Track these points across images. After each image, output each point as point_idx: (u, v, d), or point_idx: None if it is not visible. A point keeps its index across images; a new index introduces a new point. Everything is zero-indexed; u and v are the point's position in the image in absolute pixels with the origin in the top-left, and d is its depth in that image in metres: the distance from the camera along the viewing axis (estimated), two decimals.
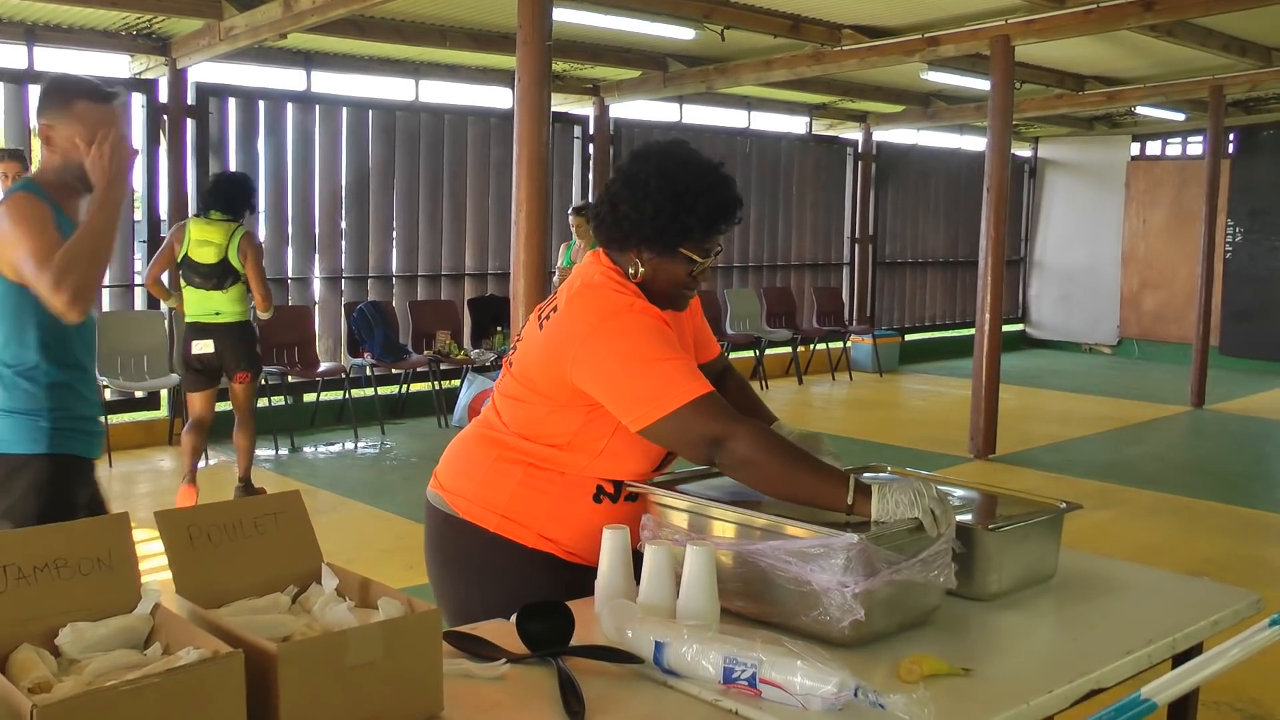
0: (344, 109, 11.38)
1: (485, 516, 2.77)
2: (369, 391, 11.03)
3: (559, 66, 11.50)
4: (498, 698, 2.06)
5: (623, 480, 2.73)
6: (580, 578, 2.61)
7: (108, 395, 9.72)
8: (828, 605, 2.23)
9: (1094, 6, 9.06)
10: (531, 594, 2.38)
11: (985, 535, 2.58)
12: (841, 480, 2.41)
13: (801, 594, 2.27)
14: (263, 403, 10.02)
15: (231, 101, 10.68)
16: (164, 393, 10.25)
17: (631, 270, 2.73)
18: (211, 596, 2.07)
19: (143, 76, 10.23)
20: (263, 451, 9.68)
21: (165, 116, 10.20)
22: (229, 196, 7.74)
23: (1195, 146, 17.12)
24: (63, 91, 3.40)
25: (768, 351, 14.32)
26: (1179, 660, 2.41)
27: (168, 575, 2.08)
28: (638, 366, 2.55)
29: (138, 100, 10.15)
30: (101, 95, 3.38)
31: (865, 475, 2.93)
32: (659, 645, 2.12)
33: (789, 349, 14.70)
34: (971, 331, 10.41)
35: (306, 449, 9.83)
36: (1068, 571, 2.85)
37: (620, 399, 2.57)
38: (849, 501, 2.38)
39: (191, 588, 2.07)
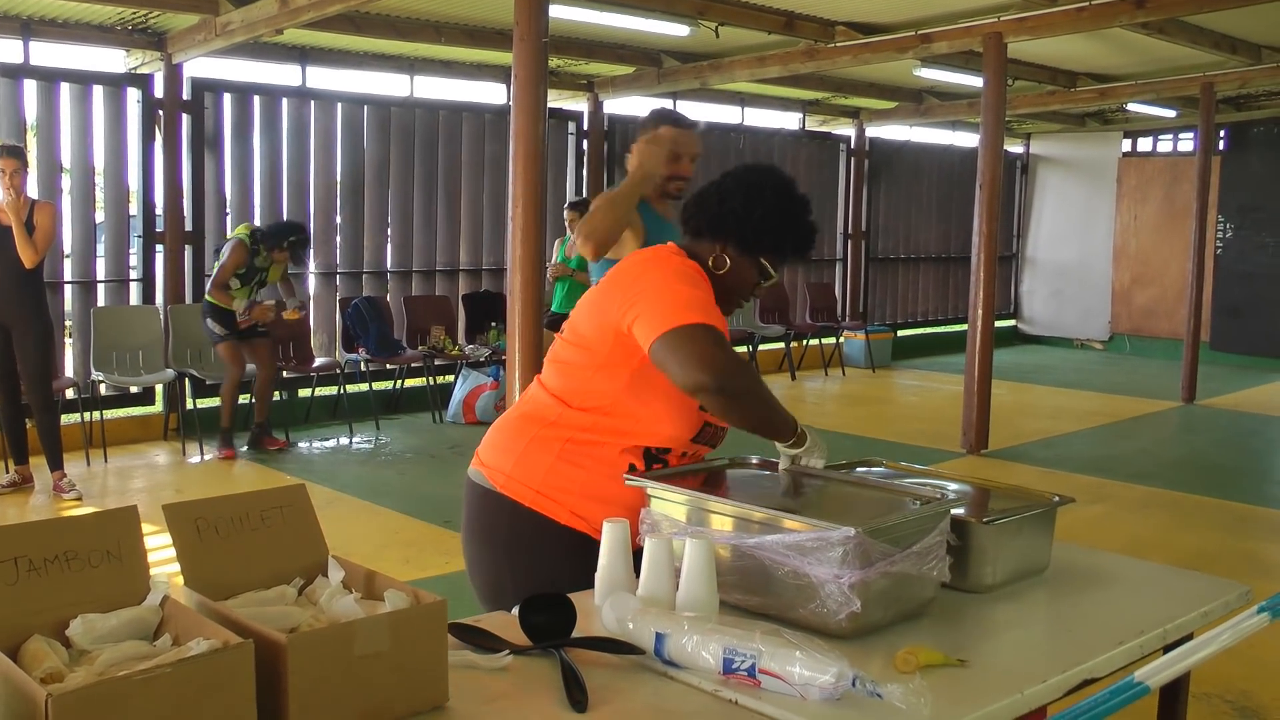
0: (339, 104, 11.39)
1: (521, 491, 2.87)
2: (364, 387, 11.04)
3: (554, 62, 11.52)
4: (502, 688, 2.09)
5: (659, 448, 2.85)
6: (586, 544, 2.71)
7: (103, 390, 9.75)
8: (825, 598, 2.27)
9: (1086, 4, 9.10)
10: (561, 571, 2.48)
11: (979, 529, 2.62)
12: (791, 419, 2.83)
13: (799, 587, 2.31)
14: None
15: (227, 97, 10.68)
16: (159, 388, 10.24)
17: (712, 260, 2.91)
18: (219, 588, 2.09)
19: (138, 71, 10.23)
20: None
21: (160, 111, 10.20)
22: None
23: (1186, 143, 17.18)
24: (655, 119, 4.38)
25: (761, 347, 14.35)
26: (1169, 651, 2.45)
27: (172, 569, 2.11)
28: (670, 288, 2.75)
29: (133, 95, 10.17)
30: (675, 121, 4.33)
31: (858, 470, 2.99)
32: (659, 636, 2.16)
33: (782, 344, 14.73)
34: (964, 327, 10.46)
35: (301, 444, 9.84)
36: (1061, 564, 2.89)
37: (644, 316, 2.72)
38: (795, 430, 2.82)
39: (199, 580, 2.10)
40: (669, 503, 2.60)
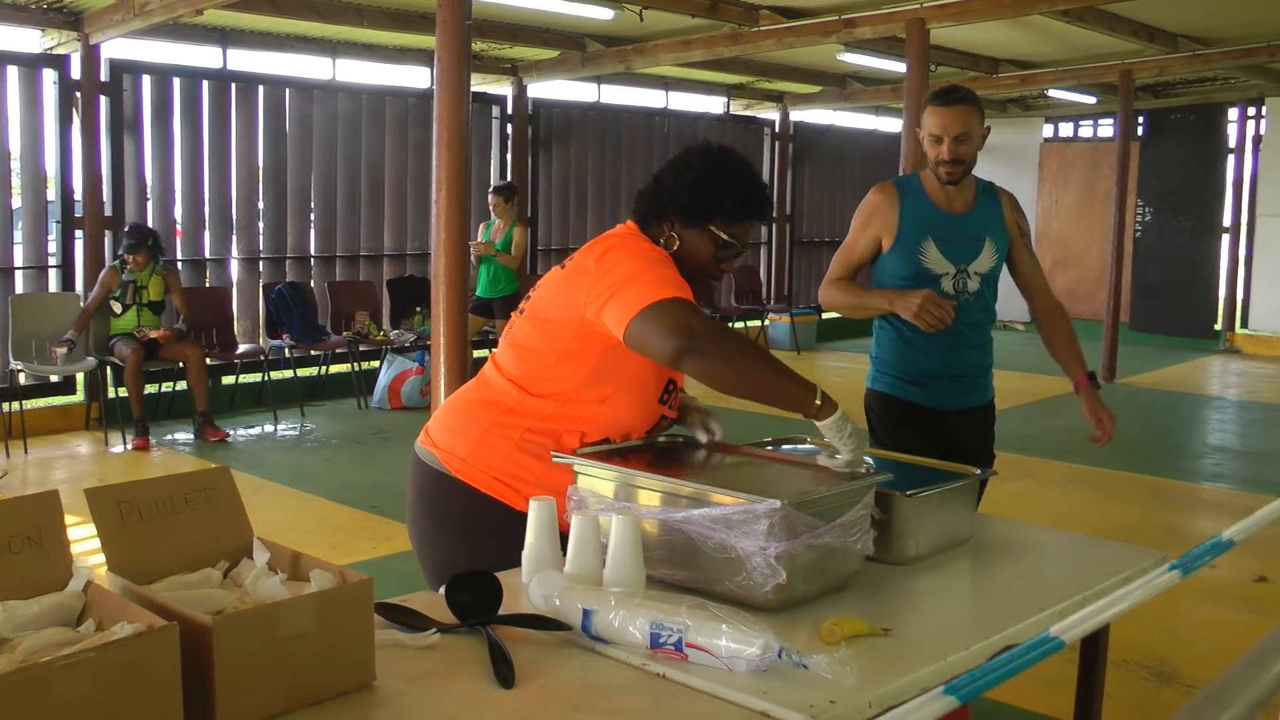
0: (261, 87, 11.27)
1: (478, 477, 2.86)
2: (288, 374, 10.96)
3: (477, 46, 11.47)
4: (429, 666, 2.09)
5: (619, 441, 2.85)
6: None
7: (22, 380, 9.59)
8: (751, 570, 2.29)
9: None
10: (518, 556, 2.45)
11: (902, 501, 2.66)
12: (810, 387, 2.63)
13: (726, 560, 2.33)
14: (181, 385, 9.96)
15: (146, 79, 10.52)
16: (80, 377, 10.11)
17: (663, 241, 2.90)
18: (143, 573, 2.07)
19: (54, 52, 10.04)
20: (181, 435, 9.63)
21: (78, 94, 10.02)
22: None
23: (1106, 129, 17.42)
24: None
25: None
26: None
27: (96, 558, 2.09)
28: (640, 269, 2.72)
29: (49, 77, 10.00)
30: (930, 100, 3.98)
31: (784, 446, 3.01)
32: (586, 613, 2.17)
33: None
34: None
35: (226, 432, 9.74)
36: (984, 536, 2.94)
37: (616, 300, 2.69)
38: (817, 403, 2.61)
39: (123, 564, 2.08)
40: (596, 479, 2.61)
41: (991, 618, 2.38)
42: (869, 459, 2.85)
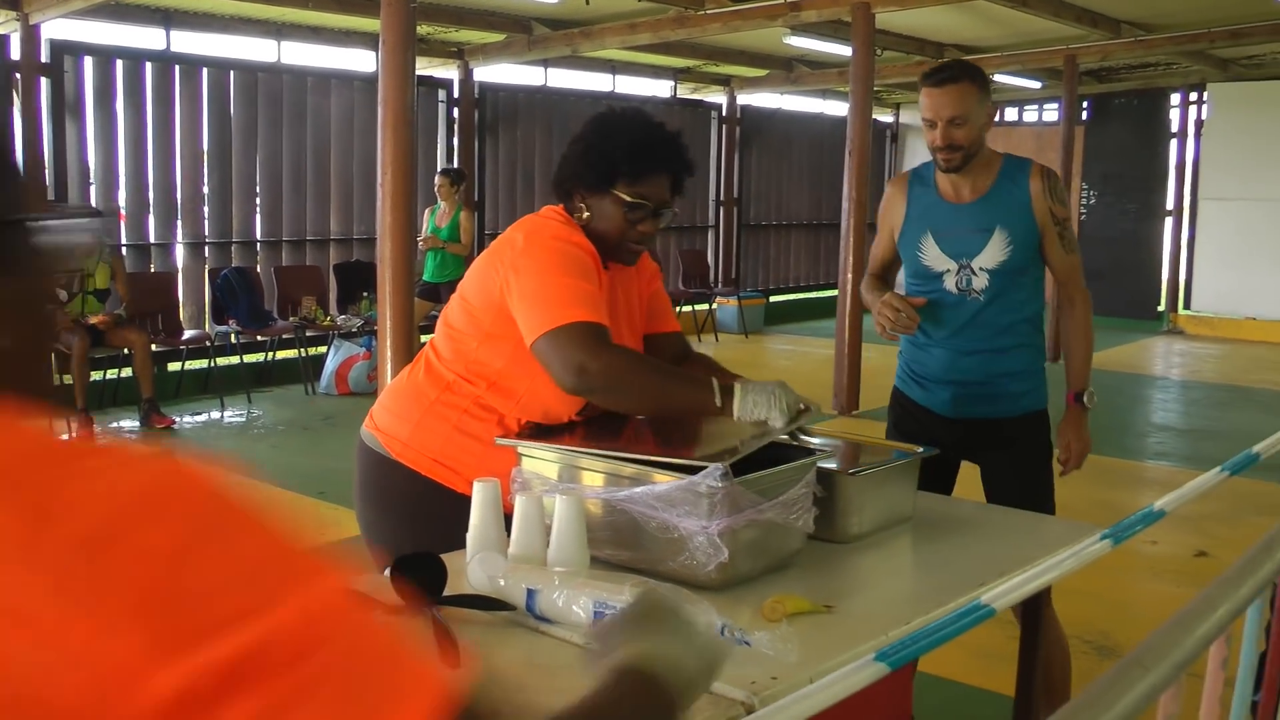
0: (204, 69, 11.16)
1: (419, 460, 2.85)
2: (234, 360, 10.88)
3: (423, 29, 11.42)
4: None
5: (549, 425, 2.82)
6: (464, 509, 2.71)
7: None
8: (694, 549, 2.30)
9: None
10: (461, 539, 2.46)
11: (844, 480, 2.68)
12: (707, 385, 2.60)
13: (668, 540, 2.34)
14: (126, 372, 9.88)
15: (88, 60, 10.40)
16: None
17: (576, 215, 2.84)
18: None
19: None
20: (127, 422, 9.56)
21: (18, 75, 9.87)
22: None
23: (1051, 113, 17.58)
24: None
25: None
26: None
27: None
28: (549, 280, 2.66)
29: None
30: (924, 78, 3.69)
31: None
32: (531, 592, 2.18)
33: None
34: (835, 293, 10.59)
35: (172, 419, 9.68)
36: (925, 513, 2.96)
37: (523, 310, 2.67)
38: (718, 404, 2.57)
39: None
40: (540, 460, 2.62)
41: (932, 594, 2.40)
42: (815, 439, 2.88)
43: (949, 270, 3.65)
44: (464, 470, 2.78)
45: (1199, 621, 1.19)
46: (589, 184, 2.81)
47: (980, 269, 3.61)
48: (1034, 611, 2.72)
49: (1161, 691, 1.08)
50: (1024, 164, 3.71)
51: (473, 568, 2.31)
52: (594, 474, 2.53)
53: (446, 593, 2.26)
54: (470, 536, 2.47)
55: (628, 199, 2.78)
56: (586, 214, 2.83)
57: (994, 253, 3.60)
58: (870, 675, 0.94)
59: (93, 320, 9.10)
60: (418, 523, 2.87)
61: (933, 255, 3.68)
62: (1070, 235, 3.73)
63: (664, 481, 2.36)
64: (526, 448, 2.65)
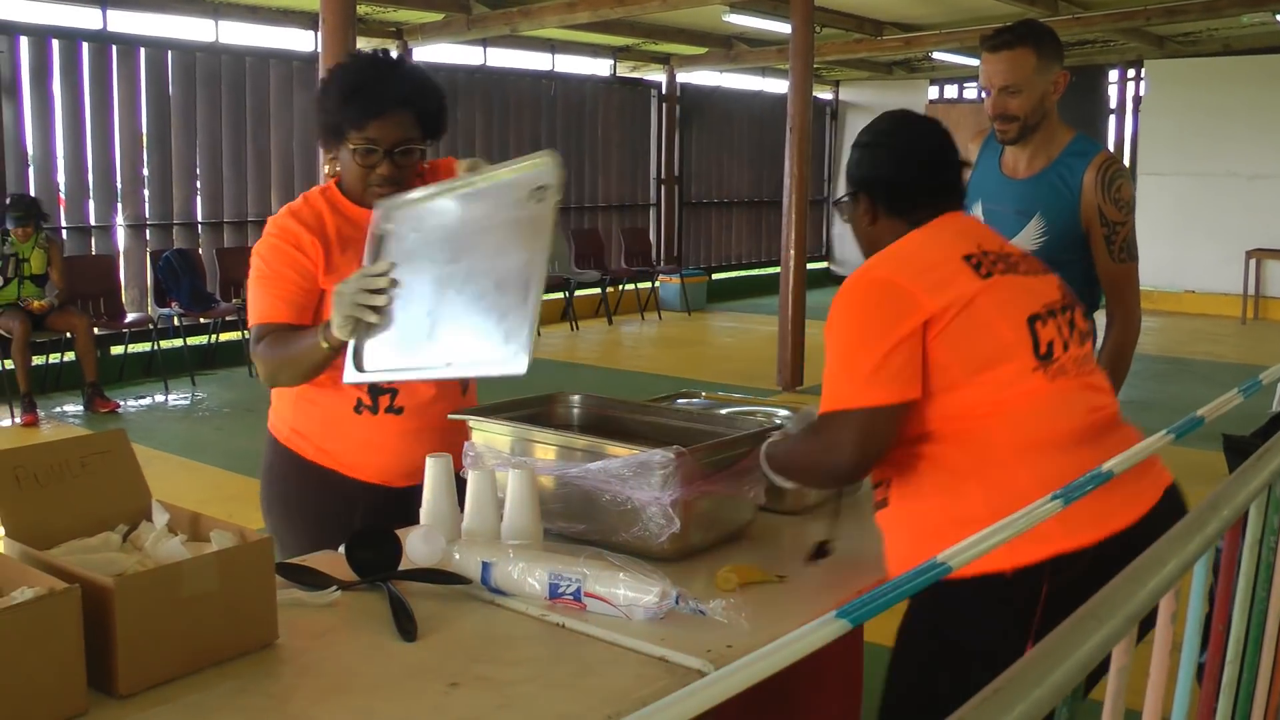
0: (142, 50, 11.05)
1: (279, 428, 2.95)
2: (178, 342, 10.79)
3: (362, 9, 11.35)
4: (331, 623, 2.11)
5: (373, 390, 2.81)
6: (359, 492, 2.84)
7: None
8: (647, 520, 2.34)
9: None
10: (311, 507, 2.51)
11: None
12: (313, 330, 2.64)
13: (622, 512, 2.37)
14: (69, 356, 9.79)
15: (23, 40, 10.26)
16: None
17: (334, 169, 2.87)
18: (42, 538, 2.06)
19: None
20: (70, 406, 9.48)
21: None
22: None
23: None
24: None
25: (577, 293, 14.40)
26: None
27: None
28: (249, 285, 2.81)
29: None
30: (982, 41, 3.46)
31: (679, 401, 3.05)
32: (486, 565, 2.20)
33: (598, 290, 14.80)
34: (777, 270, 10.64)
35: (116, 403, 9.60)
36: None
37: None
38: (323, 343, 2.59)
39: (21, 530, 2.06)
40: (492, 434, 2.64)
41: (883, 562, 2.44)
42: (779, 410, 2.91)
43: None
44: (311, 435, 2.87)
45: (1149, 575, 1.23)
46: (328, 139, 2.79)
47: None
48: None
49: (1114, 643, 1.11)
50: (1090, 150, 3.39)
51: (412, 541, 2.31)
52: (546, 448, 2.55)
53: (401, 567, 2.29)
54: (424, 511, 2.49)
55: (353, 145, 2.72)
56: (338, 168, 2.83)
57: (1026, 239, 3.34)
58: (832, 632, 0.96)
59: (33, 305, 9.01)
60: (272, 490, 2.96)
61: None
62: (1123, 241, 3.36)
63: (617, 455, 2.38)
64: (478, 422, 2.67)
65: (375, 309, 2.51)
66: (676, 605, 2.05)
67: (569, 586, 2.11)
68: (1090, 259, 3.36)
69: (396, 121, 2.72)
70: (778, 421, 2.74)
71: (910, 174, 2.42)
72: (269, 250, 2.77)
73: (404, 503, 2.63)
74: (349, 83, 2.72)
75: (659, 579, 2.07)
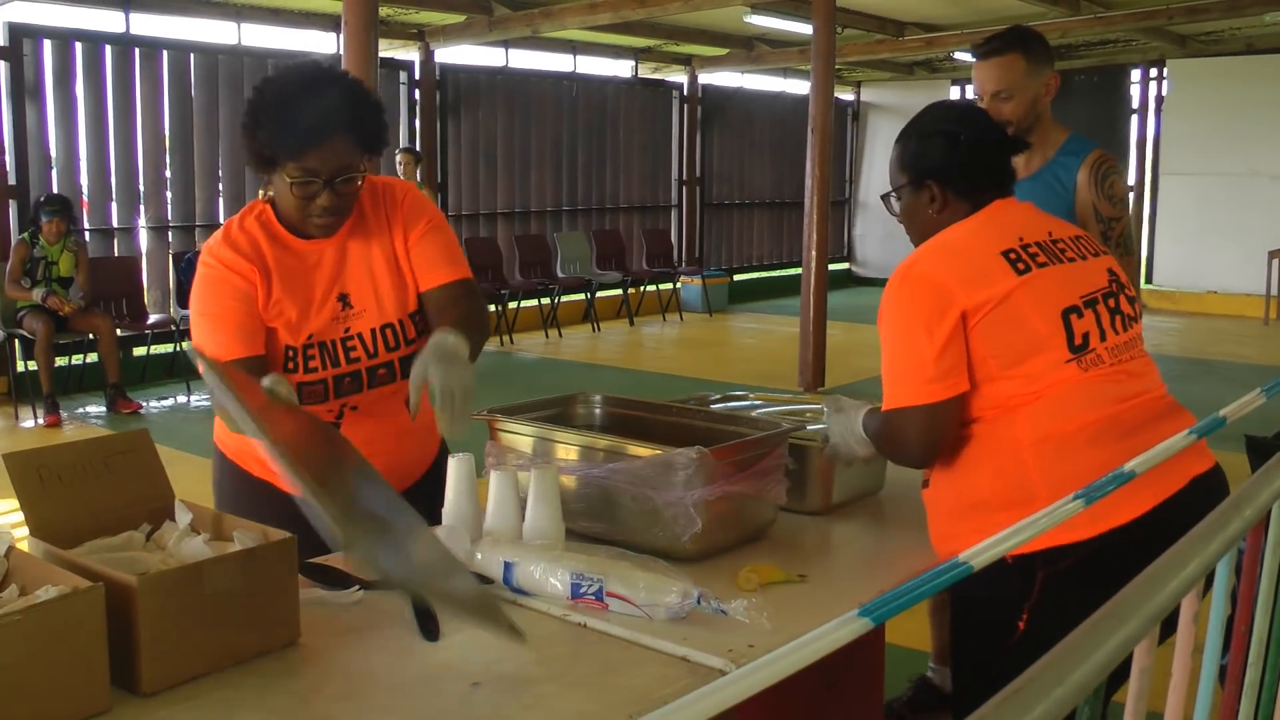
0: (164, 52, 11.09)
1: (226, 441, 2.83)
2: None
3: (383, 11, 11.35)
4: (354, 622, 2.12)
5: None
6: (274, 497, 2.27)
7: None
8: (668, 520, 2.34)
9: None
10: (266, 523, 2.30)
11: (816, 452, 2.71)
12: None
13: (643, 512, 2.38)
14: (92, 357, 9.83)
15: (47, 44, 10.31)
16: None
17: (265, 195, 2.63)
18: (66, 537, 2.07)
19: None
20: (93, 408, 9.52)
21: None
22: None
23: None
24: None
25: (598, 294, 14.41)
26: None
27: (20, 531, 2.08)
28: (194, 318, 2.60)
29: None
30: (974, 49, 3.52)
31: (723, 404, 3.06)
32: (508, 565, 2.20)
33: (619, 291, 14.80)
34: (798, 271, 10.62)
35: (139, 403, 9.62)
36: (895, 484, 3.00)
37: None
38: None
39: (45, 529, 2.07)
40: (514, 435, 2.64)
41: (903, 562, 2.44)
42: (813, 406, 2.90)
43: None
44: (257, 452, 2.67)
45: (1171, 575, 1.23)
46: (255, 165, 2.55)
47: None
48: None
49: (1135, 643, 1.11)
50: (1083, 148, 3.48)
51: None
52: (568, 448, 2.55)
53: None
54: (446, 511, 2.49)
55: (289, 178, 2.46)
56: (271, 192, 2.58)
57: None
58: (853, 631, 0.96)
59: (64, 308, 9.03)
60: (227, 503, 2.79)
61: None
62: (1120, 236, 3.43)
63: (639, 455, 2.39)
64: (502, 422, 2.67)
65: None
66: (698, 605, 2.05)
67: (591, 586, 2.11)
68: None
69: (336, 149, 2.46)
70: (794, 420, 2.74)
71: (983, 158, 2.52)
72: (209, 283, 2.55)
73: None
74: (282, 109, 2.45)
75: (680, 579, 2.07)
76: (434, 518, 2.75)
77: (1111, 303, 2.43)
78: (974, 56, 3.51)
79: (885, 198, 2.68)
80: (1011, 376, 2.31)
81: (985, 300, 2.30)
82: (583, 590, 2.12)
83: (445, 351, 2.32)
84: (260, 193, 2.59)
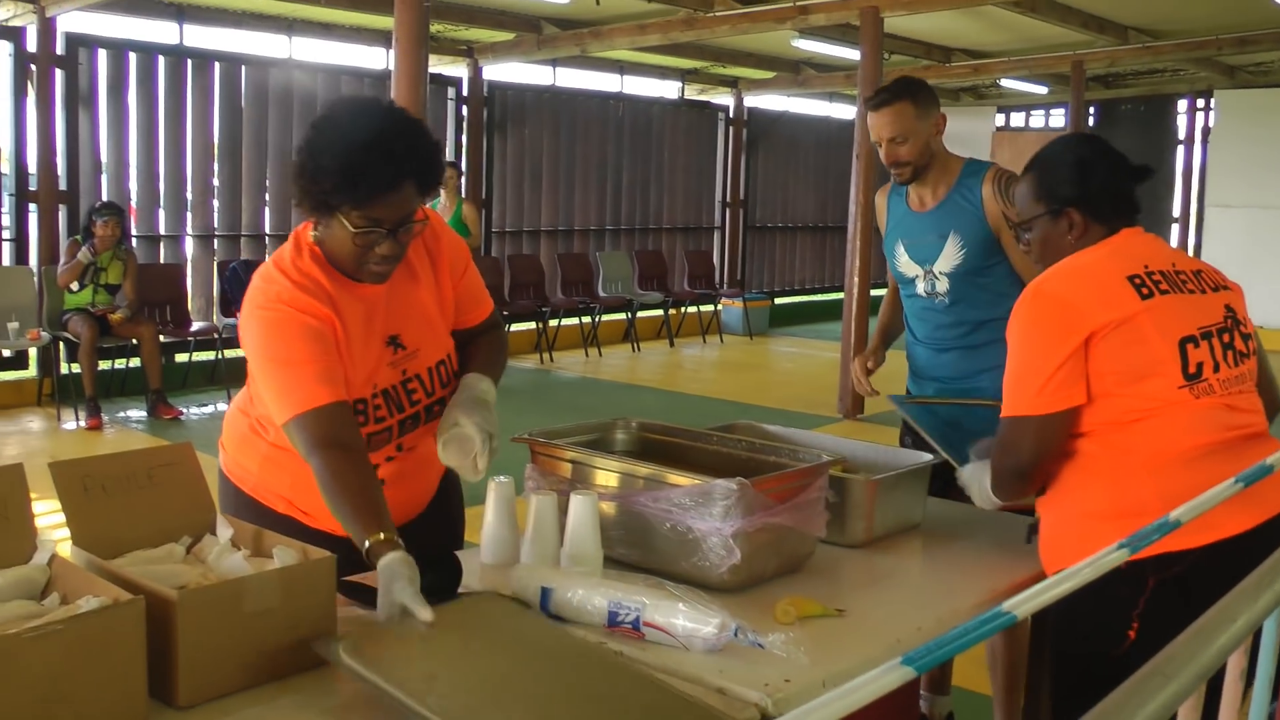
0: (216, 64, 11.18)
1: (242, 477, 2.71)
2: (240, 352, 10.85)
3: (434, 27, 11.43)
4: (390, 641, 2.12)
5: None
6: (327, 545, 2.18)
7: None
8: (707, 551, 2.33)
9: None
10: None
11: (857, 484, 2.71)
12: (371, 528, 2.16)
13: (682, 541, 2.37)
14: (135, 362, 9.90)
15: (102, 53, 10.42)
16: (33, 352, 10.02)
17: (314, 234, 2.48)
18: (107, 547, 2.09)
19: (9, 24, 9.90)
20: (134, 412, 9.58)
21: (34, 66, 9.90)
22: None
23: (1058, 119, 17.60)
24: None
25: (639, 314, 14.40)
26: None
27: (59, 534, 2.10)
28: (265, 366, 2.40)
29: (4, 49, 9.88)
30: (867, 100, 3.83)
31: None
32: (545, 591, 2.20)
33: (660, 312, 14.79)
34: (840, 295, 10.60)
35: (180, 410, 9.69)
36: (935, 517, 2.99)
37: (261, 391, 2.47)
38: (365, 549, 2.14)
39: (88, 538, 2.09)
40: (554, 460, 2.64)
41: (942, 598, 2.43)
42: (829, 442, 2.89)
43: (918, 276, 3.77)
44: (280, 490, 2.65)
45: (1218, 632, 1.22)
46: (311, 208, 2.40)
47: (940, 273, 3.71)
48: (1045, 618, 2.74)
49: (1181, 701, 1.10)
50: (980, 169, 3.74)
51: (517, 577, 2.30)
52: (608, 474, 2.55)
53: (461, 590, 2.29)
54: (485, 534, 2.50)
55: (352, 227, 2.35)
56: (319, 235, 2.46)
57: (949, 258, 3.69)
58: (897, 679, 0.96)
59: (112, 317, 9.11)
60: None
61: (904, 262, 3.81)
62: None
63: (679, 484, 2.38)
64: (541, 446, 2.67)
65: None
66: (735, 637, 2.05)
67: (628, 615, 2.11)
68: (1008, 261, 3.67)
69: (402, 198, 2.37)
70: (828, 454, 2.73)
71: (1122, 181, 2.65)
72: (278, 329, 2.39)
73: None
74: (348, 155, 2.31)
75: (718, 610, 2.07)
76: (449, 536, 2.76)
77: (1226, 337, 2.52)
78: (867, 108, 3.77)
79: (1016, 227, 2.78)
80: (1128, 394, 2.41)
81: (1110, 321, 2.40)
82: (620, 619, 2.11)
83: (479, 398, 2.43)
84: (311, 232, 2.47)
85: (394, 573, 2.04)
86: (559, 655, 2.01)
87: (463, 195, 11.12)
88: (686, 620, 2.07)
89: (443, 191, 10.91)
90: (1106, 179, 2.62)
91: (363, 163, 2.30)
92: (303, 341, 2.36)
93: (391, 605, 2.01)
